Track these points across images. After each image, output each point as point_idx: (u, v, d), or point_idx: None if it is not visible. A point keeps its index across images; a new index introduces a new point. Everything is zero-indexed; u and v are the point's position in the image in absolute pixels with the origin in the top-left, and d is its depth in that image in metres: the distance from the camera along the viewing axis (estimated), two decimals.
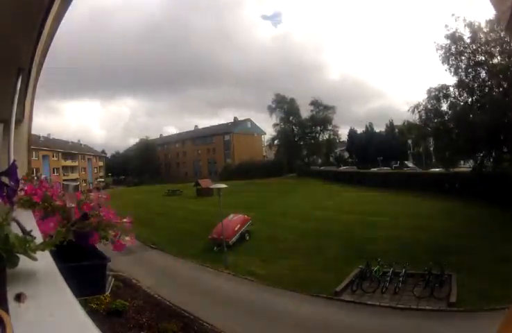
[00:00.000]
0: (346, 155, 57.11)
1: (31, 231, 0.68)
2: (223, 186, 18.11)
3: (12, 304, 0.53)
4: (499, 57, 20.04)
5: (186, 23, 79.74)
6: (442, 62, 21.77)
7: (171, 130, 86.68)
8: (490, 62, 20.24)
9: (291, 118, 51.16)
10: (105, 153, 66.26)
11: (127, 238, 1.15)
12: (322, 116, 49.92)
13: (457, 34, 20.94)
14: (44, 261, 0.68)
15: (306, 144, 51.27)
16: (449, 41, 21.28)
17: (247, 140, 57.43)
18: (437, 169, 28.52)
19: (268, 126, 55.54)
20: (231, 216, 18.58)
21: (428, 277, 11.53)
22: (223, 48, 79.57)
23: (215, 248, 16.69)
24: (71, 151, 50.99)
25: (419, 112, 23.51)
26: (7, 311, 0.50)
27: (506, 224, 14.42)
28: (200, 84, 75.64)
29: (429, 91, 22.98)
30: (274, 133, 52.66)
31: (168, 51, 75.76)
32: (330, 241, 16.13)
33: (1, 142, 2.66)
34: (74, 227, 0.89)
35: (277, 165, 50.57)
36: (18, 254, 0.61)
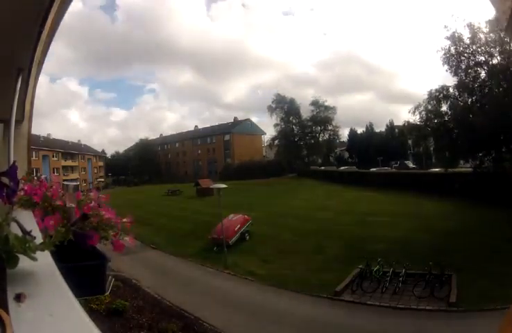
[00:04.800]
0: (346, 155, 57.10)
1: (31, 231, 0.68)
2: (223, 186, 18.11)
3: (12, 304, 0.53)
4: (498, 58, 20.07)
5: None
6: (443, 63, 21.83)
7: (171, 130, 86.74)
8: (490, 63, 20.26)
9: (291, 118, 51.17)
10: (105, 153, 66.23)
11: (126, 238, 1.15)
12: (323, 116, 49.95)
13: (457, 34, 20.99)
14: (44, 261, 0.68)
15: (306, 144, 51.25)
16: (449, 42, 21.34)
17: (247, 140, 57.40)
18: (437, 169, 28.51)
19: (268, 126, 55.57)
20: (231, 216, 18.58)
21: (428, 277, 11.52)
22: None
23: (215, 248, 16.69)
24: (71, 151, 50.99)
25: (419, 112, 23.55)
26: (7, 311, 0.50)
27: (507, 224, 14.42)
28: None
29: (430, 92, 23.03)
30: (274, 133, 52.71)
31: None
32: (330, 241, 16.13)
33: (1, 142, 2.66)
34: (74, 227, 0.89)
35: (277, 165, 50.51)
36: (18, 255, 0.61)
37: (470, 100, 21.59)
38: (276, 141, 53.07)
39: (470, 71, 21.15)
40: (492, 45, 19.89)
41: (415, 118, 24.24)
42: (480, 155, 21.16)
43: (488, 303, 9.18)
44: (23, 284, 0.59)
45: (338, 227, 17.94)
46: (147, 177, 56.98)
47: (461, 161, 24.33)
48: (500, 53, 19.69)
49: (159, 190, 39.48)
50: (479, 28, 20.10)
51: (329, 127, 50.63)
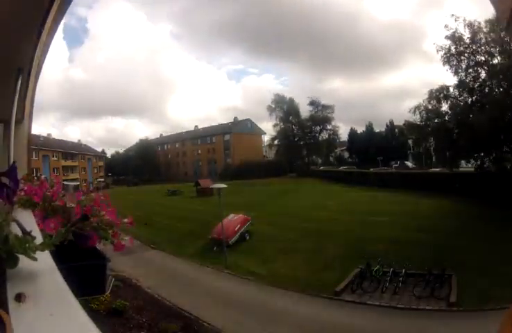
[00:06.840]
0: (346, 155, 57.08)
1: (31, 231, 0.68)
2: (223, 186, 18.10)
3: (12, 304, 0.53)
4: (499, 57, 20.05)
5: None
6: (443, 63, 21.83)
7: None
8: (490, 62, 20.25)
9: (290, 118, 51.18)
10: (105, 153, 66.24)
11: (126, 238, 1.15)
12: (322, 115, 49.97)
13: (457, 34, 20.97)
14: (44, 261, 0.68)
15: (306, 144, 51.25)
16: (449, 42, 21.32)
17: (247, 140, 57.39)
18: (437, 169, 28.48)
19: (268, 126, 55.46)
20: (231, 216, 18.57)
21: (428, 277, 11.51)
22: None
23: (215, 248, 16.68)
24: (71, 151, 50.98)
25: (419, 112, 23.51)
26: (7, 311, 0.50)
27: (507, 224, 14.41)
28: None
29: (430, 92, 23.01)
30: (274, 133, 52.72)
31: None
32: (330, 241, 16.12)
33: (1, 142, 2.66)
34: (74, 228, 0.89)
35: (277, 165, 50.52)
36: (18, 255, 0.61)
37: (470, 100, 21.57)
38: (276, 141, 53.12)
39: (470, 70, 21.15)
40: (492, 45, 19.88)
41: (415, 118, 24.21)
42: (481, 155, 21.15)
43: (488, 303, 9.18)
44: (24, 284, 0.59)
45: (338, 227, 17.93)
46: (147, 177, 56.97)
47: (462, 162, 24.29)
48: (500, 52, 19.68)
49: (159, 190, 39.50)
50: (479, 27, 20.10)
51: (328, 127, 50.72)
